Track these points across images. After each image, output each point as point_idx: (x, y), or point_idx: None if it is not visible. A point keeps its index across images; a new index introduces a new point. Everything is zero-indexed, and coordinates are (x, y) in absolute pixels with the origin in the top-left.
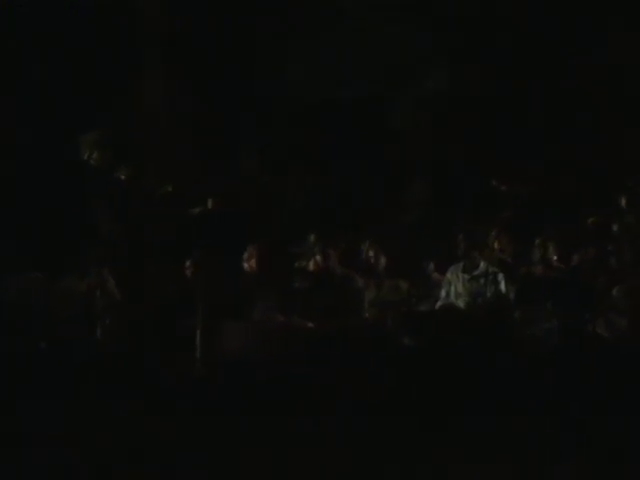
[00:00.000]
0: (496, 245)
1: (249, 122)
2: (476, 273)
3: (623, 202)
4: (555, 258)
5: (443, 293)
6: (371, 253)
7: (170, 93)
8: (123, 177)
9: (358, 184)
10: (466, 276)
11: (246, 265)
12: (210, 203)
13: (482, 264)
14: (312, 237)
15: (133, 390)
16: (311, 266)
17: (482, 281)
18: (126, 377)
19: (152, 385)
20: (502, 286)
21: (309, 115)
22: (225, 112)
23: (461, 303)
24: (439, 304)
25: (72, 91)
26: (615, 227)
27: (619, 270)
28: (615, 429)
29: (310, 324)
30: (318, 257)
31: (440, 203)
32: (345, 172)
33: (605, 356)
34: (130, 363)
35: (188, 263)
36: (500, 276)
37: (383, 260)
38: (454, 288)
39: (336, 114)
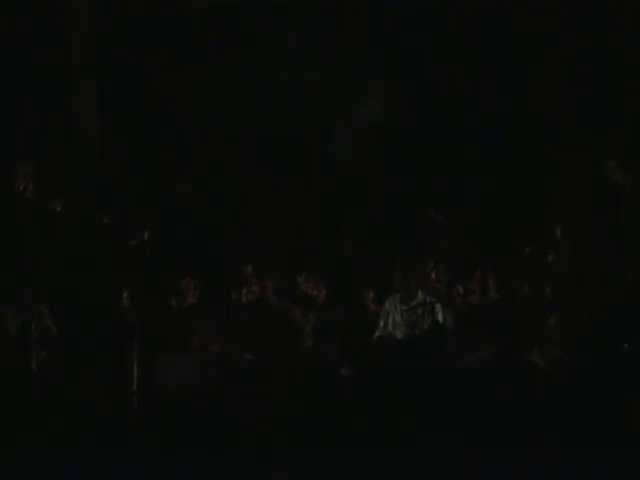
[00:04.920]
0: (433, 275)
1: (184, 153)
2: (413, 303)
3: (559, 233)
4: (491, 288)
5: (381, 323)
6: (309, 284)
7: (104, 124)
8: (59, 209)
9: (295, 215)
10: (404, 306)
11: (183, 296)
12: (147, 235)
13: (419, 294)
14: (249, 268)
15: (68, 423)
16: (247, 296)
17: (419, 311)
18: (62, 410)
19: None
20: (439, 316)
21: (243, 146)
22: (160, 143)
23: (399, 333)
24: (377, 334)
25: (6, 122)
26: (551, 257)
27: (555, 300)
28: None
29: (248, 355)
30: (255, 287)
31: (377, 233)
32: (279, 204)
33: (540, 385)
34: (65, 396)
35: (125, 294)
36: (437, 306)
37: (321, 291)
38: (392, 318)
39: (271, 145)
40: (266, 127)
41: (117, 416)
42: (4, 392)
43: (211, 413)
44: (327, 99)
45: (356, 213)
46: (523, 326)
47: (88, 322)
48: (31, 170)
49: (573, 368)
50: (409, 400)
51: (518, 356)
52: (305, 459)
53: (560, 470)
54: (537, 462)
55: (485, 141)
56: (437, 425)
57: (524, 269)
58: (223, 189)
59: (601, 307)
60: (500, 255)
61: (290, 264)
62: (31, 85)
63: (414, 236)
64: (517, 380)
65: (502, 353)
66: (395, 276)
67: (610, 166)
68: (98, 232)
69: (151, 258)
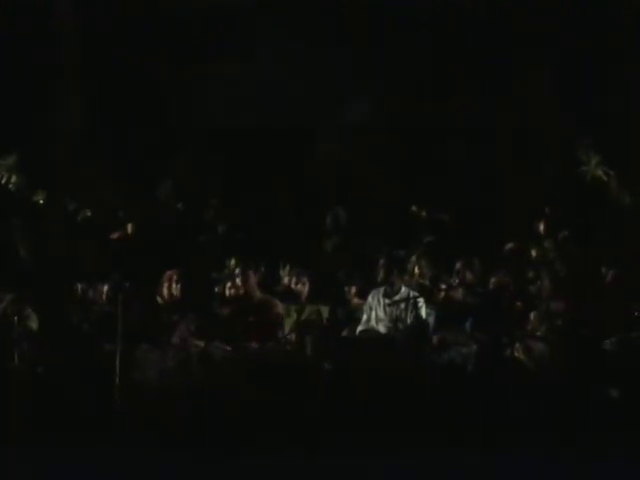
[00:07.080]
0: (416, 270)
1: (166, 149)
2: (397, 298)
3: (541, 228)
4: (474, 283)
5: (364, 318)
6: (292, 278)
7: (88, 120)
8: (41, 201)
9: (278, 211)
10: (387, 301)
11: (165, 290)
12: (130, 228)
13: (403, 289)
14: (232, 261)
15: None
16: (230, 290)
17: (402, 306)
18: (45, 404)
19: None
20: (422, 311)
21: (228, 143)
22: (142, 139)
23: (382, 328)
24: (360, 329)
25: None
26: (533, 253)
27: (537, 295)
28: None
29: (229, 348)
30: (238, 280)
31: (360, 229)
32: (264, 199)
33: (522, 381)
34: (48, 389)
35: (106, 287)
36: (420, 301)
37: (304, 285)
38: (375, 313)
39: (256, 143)
40: (258, 125)
41: (99, 410)
42: None
43: (193, 407)
44: (313, 98)
45: (340, 207)
46: (506, 321)
47: (70, 315)
48: (14, 162)
49: (556, 364)
50: (391, 395)
51: (501, 352)
52: (286, 453)
53: (544, 468)
54: (523, 461)
55: (468, 137)
56: (420, 421)
57: (507, 264)
58: (208, 184)
59: (583, 303)
60: (483, 250)
61: (274, 259)
62: (23, 82)
63: (398, 231)
64: (499, 376)
65: (484, 349)
66: (378, 270)
67: (595, 162)
68: (81, 225)
69: (134, 251)
